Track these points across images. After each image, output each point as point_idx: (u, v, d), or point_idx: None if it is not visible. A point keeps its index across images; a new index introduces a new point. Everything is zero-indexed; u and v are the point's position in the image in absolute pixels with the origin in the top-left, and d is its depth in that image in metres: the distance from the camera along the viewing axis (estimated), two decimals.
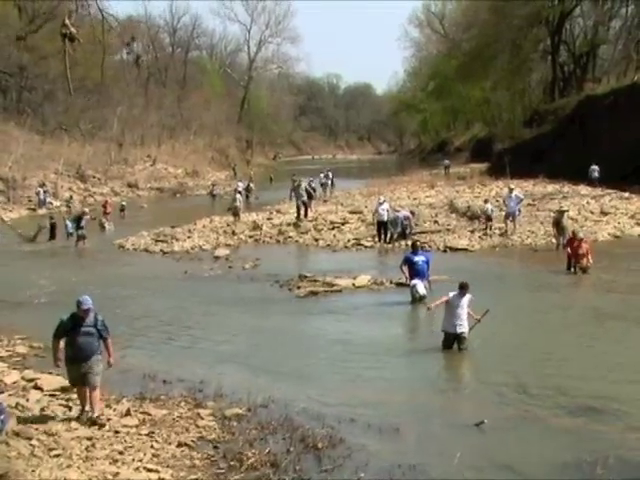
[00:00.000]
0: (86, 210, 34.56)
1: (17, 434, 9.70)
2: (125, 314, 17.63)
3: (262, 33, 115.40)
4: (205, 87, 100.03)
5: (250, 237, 31.17)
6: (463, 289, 14.27)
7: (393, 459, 9.38)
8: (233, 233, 31.87)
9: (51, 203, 46.90)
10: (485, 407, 11.15)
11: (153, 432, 10.29)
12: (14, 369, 13.27)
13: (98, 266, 26.97)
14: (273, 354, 14.59)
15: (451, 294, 14.38)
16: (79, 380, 10.65)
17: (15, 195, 46.49)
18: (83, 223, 32.06)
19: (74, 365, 10.61)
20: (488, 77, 68.00)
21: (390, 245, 28.17)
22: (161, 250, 28.95)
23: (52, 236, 32.94)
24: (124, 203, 45.15)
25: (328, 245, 28.85)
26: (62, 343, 10.71)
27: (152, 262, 27.17)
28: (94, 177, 59.32)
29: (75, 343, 10.59)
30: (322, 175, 52.18)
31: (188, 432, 10.37)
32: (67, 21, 64.10)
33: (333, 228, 31.88)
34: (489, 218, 29.94)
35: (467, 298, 14.29)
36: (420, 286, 18.57)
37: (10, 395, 11.30)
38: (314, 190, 41.41)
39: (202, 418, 10.89)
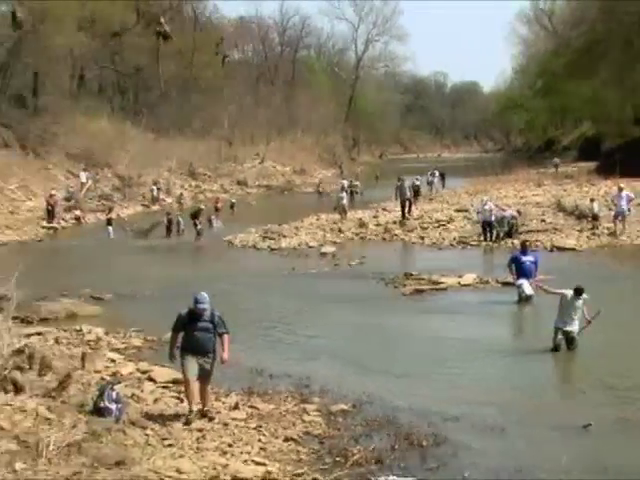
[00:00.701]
0: (202, 207, 35.23)
1: (133, 423, 10.01)
2: (233, 309, 17.70)
3: (369, 32, 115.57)
4: (313, 86, 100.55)
5: (356, 235, 31.22)
6: (578, 293, 14.01)
7: (498, 460, 9.27)
8: (339, 230, 31.97)
9: (164, 200, 47.93)
10: (592, 409, 10.91)
11: (261, 426, 10.42)
12: (129, 361, 13.64)
13: (208, 262, 27.55)
14: (378, 351, 14.60)
15: (568, 292, 14.13)
16: (195, 366, 10.56)
17: (130, 192, 47.67)
18: (200, 219, 32.70)
19: (191, 359, 10.57)
20: (597, 74, 66.21)
21: (496, 244, 27.80)
22: (269, 247, 29.26)
23: (168, 232, 33.62)
24: (234, 200, 45.78)
25: (434, 243, 28.68)
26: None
27: (260, 258, 27.51)
28: (205, 175, 60.56)
29: (192, 338, 10.61)
30: (429, 173, 51.83)
31: (294, 427, 10.48)
32: (162, 19, 65.76)
33: (439, 226, 31.67)
34: (595, 217, 29.25)
35: (582, 300, 14.04)
36: (527, 286, 18.29)
37: (126, 386, 11.61)
38: (419, 188, 41.23)
39: (308, 413, 10.98)
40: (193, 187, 56.48)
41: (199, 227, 32.36)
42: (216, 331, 10.73)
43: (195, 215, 32.84)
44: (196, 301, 10.64)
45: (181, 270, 24.89)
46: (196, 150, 62.06)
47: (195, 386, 10.64)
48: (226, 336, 10.82)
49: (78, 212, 39.96)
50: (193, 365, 10.56)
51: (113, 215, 36.12)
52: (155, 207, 45.68)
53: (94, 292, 20.28)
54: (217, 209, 40.01)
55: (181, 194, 48.71)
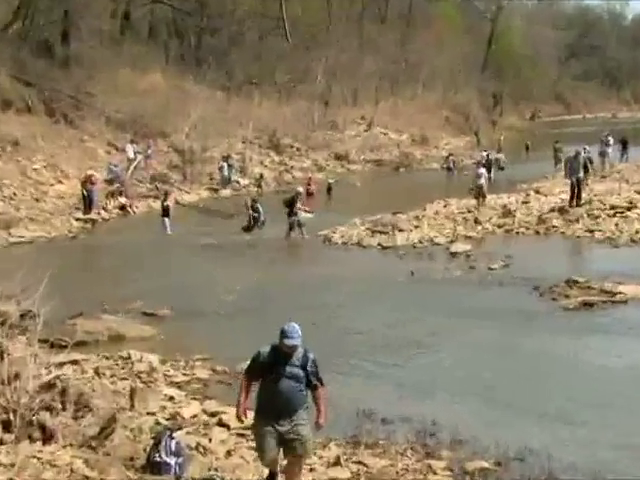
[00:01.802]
0: (300, 190, 35.18)
1: None
2: (331, 329, 17.93)
3: None
4: (437, 22, 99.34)
5: (499, 227, 30.88)
6: None
7: None
8: (476, 221, 31.71)
9: (237, 182, 48.09)
10: None
11: None
12: (193, 399, 13.82)
13: (298, 265, 27.71)
14: (529, 386, 14.43)
15: None
16: (275, 443, 9.82)
17: (193, 172, 47.87)
18: (298, 207, 32.79)
19: (270, 420, 9.83)
20: None
21: None
22: (379, 244, 29.27)
23: (251, 224, 33.73)
24: (332, 181, 45.77)
25: (608, 238, 28.11)
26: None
27: (367, 259, 27.58)
28: (292, 147, 60.69)
29: (275, 389, 9.76)
30: (602, 141, 50.23)
31: None
32: None
33: (615, 215, 31.01)
34: None
35: None
36: None
37: (189, 433, 11.73)
38: (591, 162, 40.19)
39: (435, 472, 10.91)
40: (277, 164, 56.68)
41: (294, 218, 32.21)
42: (309, 381, 9.90)
43: (291, 202, 32.59)
44: (283, 334, 9.72)
45: (263, 276, 25.00)
46: (280, 114, 62.26)
47: (276, 462, 10.13)
48: (321, 390, 10.03)
49: (124, 199, 40.52)
50: (272, 440, 9.85)
51: (171, 202, 36.21)
52: (226, 191, 46.04)
53: (146, 306, 20.50)
54: (309, 193, 39.78)
55: (261, 174, 48.79)
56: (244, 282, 23.51)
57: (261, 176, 48.23)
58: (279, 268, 27.66)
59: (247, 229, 33.57)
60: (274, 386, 9.75)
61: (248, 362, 10.21)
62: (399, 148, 69.40)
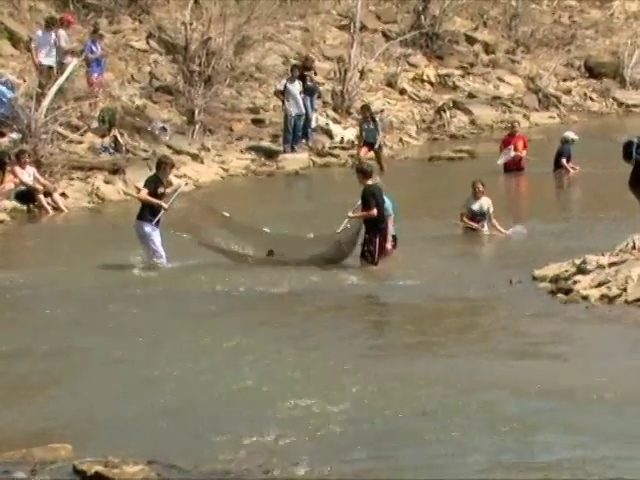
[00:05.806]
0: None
1: None
2: None
3: None
4: None
5: None
6: None
7: None
8: None
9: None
10: None
11: None
12: None
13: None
14: None
15: None
16: None
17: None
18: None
19: None
20: None
21: None
22: None
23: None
24: (571, 136, 26.21)
25: None
26: None
27: None
28: (455, 41, 36.40)
29: None
30: None
31: None
32: None
33: None
34: None
35: None
36: None
37: None
38: None
39: None
40: (419, 84, 34.24)
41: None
42: None
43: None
44: None
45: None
46: None
47: None
48: None
49: (26, 174, 22.24)
50: None
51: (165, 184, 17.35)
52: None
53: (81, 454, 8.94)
54: (518, 167, 25.88)
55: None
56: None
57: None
58: None
59: (372, 259, 16.94)
60: None
61: None
62: None
